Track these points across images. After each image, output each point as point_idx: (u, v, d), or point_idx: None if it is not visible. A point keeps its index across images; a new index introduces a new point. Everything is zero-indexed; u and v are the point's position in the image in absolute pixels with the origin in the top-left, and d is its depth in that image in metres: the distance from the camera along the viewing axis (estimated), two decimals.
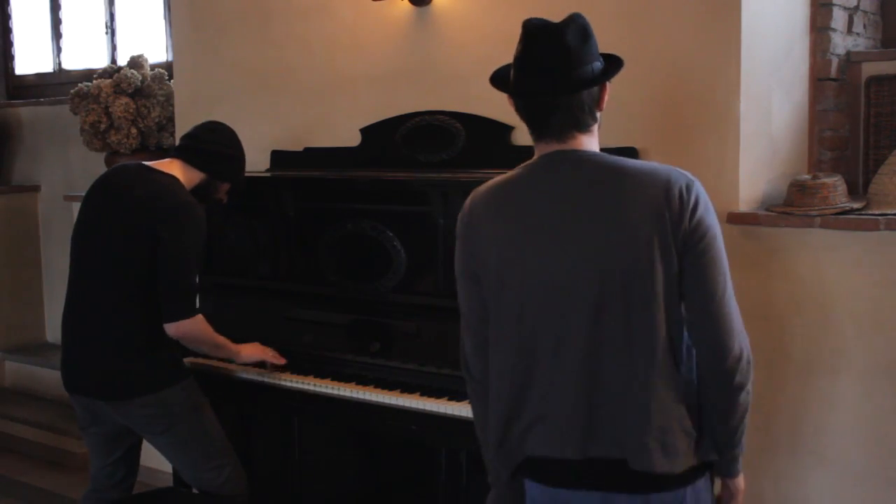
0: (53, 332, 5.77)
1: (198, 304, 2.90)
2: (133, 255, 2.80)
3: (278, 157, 3.79)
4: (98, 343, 2.85)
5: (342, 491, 3.46)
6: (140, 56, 4.82)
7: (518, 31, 3.29)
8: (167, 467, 3.55)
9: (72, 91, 4.82)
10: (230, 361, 3.11)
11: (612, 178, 1.97)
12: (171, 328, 2.81)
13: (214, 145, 3.02)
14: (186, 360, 3.01)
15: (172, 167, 2.96)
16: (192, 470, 2.97)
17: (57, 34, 5.87)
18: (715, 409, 1.98)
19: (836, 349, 2.84)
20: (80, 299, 2.91)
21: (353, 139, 3.57)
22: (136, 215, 2.81)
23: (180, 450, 2.94)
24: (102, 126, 4.65)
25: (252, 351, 3.06)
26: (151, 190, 2.84)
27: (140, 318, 2.82)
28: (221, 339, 2.97)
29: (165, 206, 2.80)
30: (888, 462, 2.82)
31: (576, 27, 2.01)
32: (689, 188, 1.93)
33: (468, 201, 2.08)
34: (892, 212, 2.87)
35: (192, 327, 2.83)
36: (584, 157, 2.02)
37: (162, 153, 4.73)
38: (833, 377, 2.85)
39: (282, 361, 3.07)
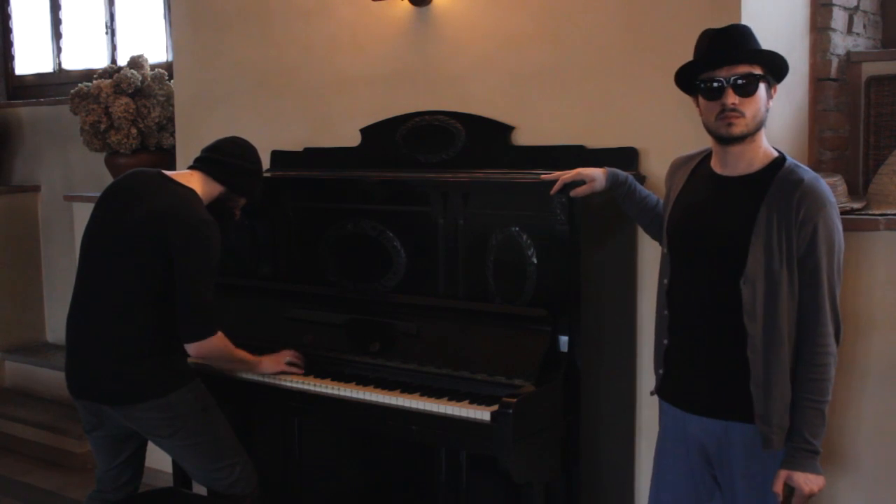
0: (53, 332, 5.77)
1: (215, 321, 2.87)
2: (144, 263, 2.79)
3: (278, 157, 3.79)
4: (105, 348, 2.83)
5: (342, 491, 3.47)
6: (140, 56, 4.82)
7: (517, 30, 3.31)
8: (167, 467, 3.56)
9: (72, 91, 4.82)
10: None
11: None
12: (192, 348, 2.81)
13: (237, 159, 3.02)
14: (190, 359, 3.01)
15: (192, 179, 2.95)
16: (202, 471, 2.97)
17: (57, 34, 5.87)
18: None
19: (838, 349, 2.84)
20: (87, 303, 2.90)
21: (353, 139, 3.57)
22: (151, 226, 2.79)
23: (190, 452, 2.94)
24: (102, 126, 4.65)
25: (270, 365, 3.04)
26: (169, 202, 2.82)
27: (147, 323, 2.82)
28: (241, 354, 2.97)
29: (182, 221, 2.79)
30: (890, 461, 2.82)
31: None
32: None
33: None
34: (892, 212, 2.88)
35: (213, 346, 2.83)
36: None
37: (162, 153, 4.73)
38: (836, 377, 2.84)
39: (300, 371, 3.05)
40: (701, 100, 2.35)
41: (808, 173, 2.29)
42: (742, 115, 2.29)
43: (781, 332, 2.26)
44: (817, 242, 2.24)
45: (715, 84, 2.30)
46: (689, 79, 2.38)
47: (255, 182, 3.09)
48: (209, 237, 2.81)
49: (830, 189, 2.45)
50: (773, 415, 2.28)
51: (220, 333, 2.84)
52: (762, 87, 2.31)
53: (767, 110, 2.34)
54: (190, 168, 3.03)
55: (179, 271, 2.77)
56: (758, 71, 2.30)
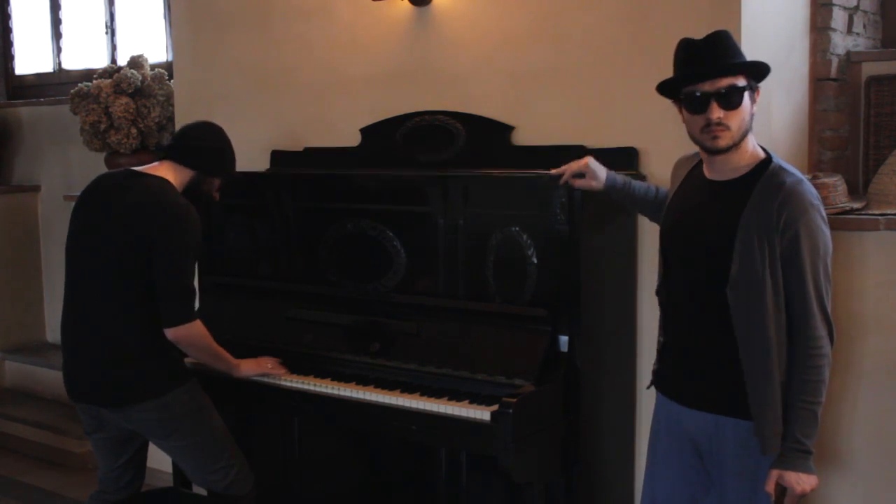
0: (53, 332, 5.76)
1: (196, 308, 2.89)
2: (129, 260, 2.79)
3: (278, 157, 3.79)
4: (99, 351, 2.84)
5: (342, 491, 3.46)
6: (140, 56, 4.82)
7: (517, 30, 3.31)
8: (167, 467, 3.56)
9: (72, 91, 4.82)
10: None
11: None
12: (171, 332, 2.81)
13: (200, 141, 3.01)
14: (187, 360, 3.01)
15: (161, 170, 2.96)
16: (199, 472, 2.97)
17: (57, 34, 5.86)
18: None
19: (837, 349, 2.82)
20: (78, 308, 2.90)
21: (353, 139, 3.57)
22: (129, 221, 2.80)
23: (187, 452, 2.94)
24: (102, 126, 4.65)
25: (250, 367, 3.05)
26: (143, 194, 2.83)
27: (140, 324, 2.82)
28: (220, 349, 2.97)
29: (159, 209, 2.80)
30: (890, 462, 2.82)
31: None
32: None
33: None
34: (892, 212, 2.88)
35: (191, 332, 2.83)
36: None
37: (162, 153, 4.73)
38: (833, 377, 2.84)
39: (281, 371, 3.07)
40: (685, 112, 2.34)
41: (791, 176, 2.27)
42: (727, 128, 2.27)
43: (769, 337, 2.25)
44: (800, 247, 2.22)
45: (698, 95, 2.28)
46: (672, 89, 2.37)
47: (223, 160, 3.06)
48: (186, 221, 2.81)
49: (825, 192, 2.45)
50: (766, 419, 2.28)
51: (199, 321, 2.84)
52: (746, 95, 2.28)
53: (752, 116, 2.32)
54: (159, 159, 3.03)
55: (159, 256, 2.77)
56: (741, 82, 2.27)
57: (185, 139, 3.02)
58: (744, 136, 2.30)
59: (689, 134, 2.35)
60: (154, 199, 2.82)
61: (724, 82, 2.26)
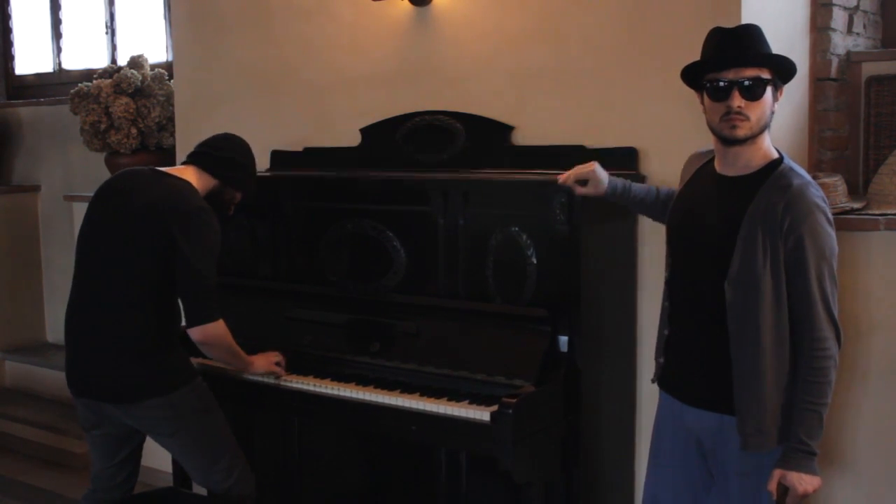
0: (53, 332, 5.77)
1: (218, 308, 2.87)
2: (145, 258, 2.79)
3: (278, 157, 3.79)
4: (107, 346, 2.83)
5: (342, 491, 3.47)
6: (140, 56, 4.82)
7: (517, 30, 3.31)
8: (167, 467, 3.55)
9: (72, 91, 4.82)
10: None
11: None
12: (197, 333, 2.80)
13: (229, 152, 3.03)
14: (192, 360, 3.00)
15: (186, 173, 2.96)
16: (201, 471, 2.97)
17: (57, 34, 5.87)
18: None
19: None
20: (87, 301, 2.89)
21: (353, 139, 3.57)
22: (149, 219, 2.79)
23: (190, 451, 2.94)
24: (102, 126, 4.65)
25: (262, 364, 3.05)
26: (166, 194, 2.83)
27: (149, 320, 2.81)
28: (238, 348, 2.96)
29: (181, 210, 2.79)
30: (889, 462, 2.82)
31: None
32: None
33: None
34: (892, 212, 2.88)
35: (217, 331, 2.82)
36: None
37: (162, 153, 4.73)
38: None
39: (282, 370, 3.07)
40: (706, 99, 2.34)
41: (798, 178, 2.27)
42: (747, 118, 2.28)
43: (762, 336, 2.25)
44: (804, 250, 2.22)
45: (721, 84, 2.29)
46: (695, 77, 2.38)
47: (247, 175, 3.08)
48: (208, 223, 2.82)
49: (825, 192, 2.45)
50: (749, 416, 2.28)
51: (222, 321, 2.84)
52: (769, 90, 2.30)
53: (773, 113, 2.34)
54: (184, 163, 3.04)
55: (181, 258, 2.76)
56: (766, 75, 2.29)
57: (213, 148, 3.04)
58: (762, 130, 2.31)
59: (709, 123, 2.36)
60: (176, 199, 2.81)
61: (749, 73, 2.28)
